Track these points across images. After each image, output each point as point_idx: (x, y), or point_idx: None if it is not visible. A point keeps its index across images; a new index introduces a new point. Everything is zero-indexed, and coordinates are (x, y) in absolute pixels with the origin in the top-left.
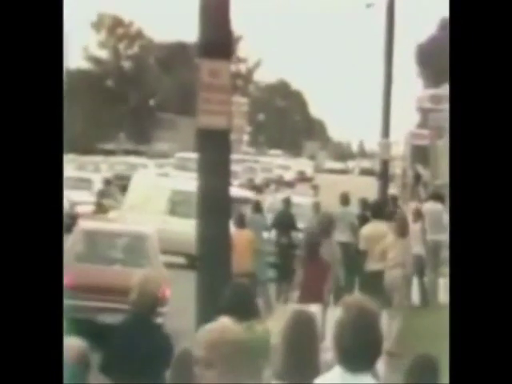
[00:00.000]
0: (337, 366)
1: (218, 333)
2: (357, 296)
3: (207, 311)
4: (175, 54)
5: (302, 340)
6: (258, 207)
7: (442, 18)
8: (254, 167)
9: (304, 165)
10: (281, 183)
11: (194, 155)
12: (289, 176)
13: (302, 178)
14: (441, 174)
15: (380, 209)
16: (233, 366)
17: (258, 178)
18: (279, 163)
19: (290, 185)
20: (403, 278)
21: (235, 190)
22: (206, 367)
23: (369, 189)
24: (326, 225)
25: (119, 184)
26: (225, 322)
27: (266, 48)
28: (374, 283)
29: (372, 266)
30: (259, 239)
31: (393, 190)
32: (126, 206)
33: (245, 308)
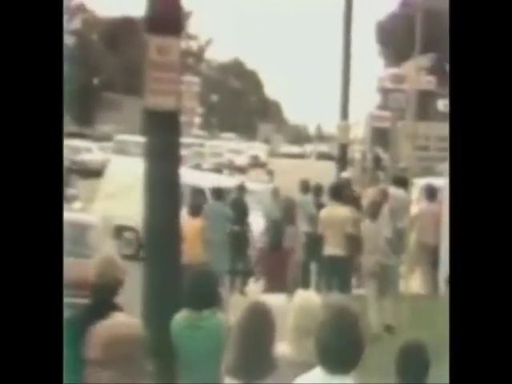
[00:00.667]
0: (318, 366)
1: (113, 330)
2: (338, 297)
3: (153, 303)
4: (121, 30)
5: (256, 333)
6: (218, 194)
7: None
8: (202, 151)
9: (258, 149)
10: (232, 168)
11: (135, 138)
12: (240, 161)
13: (256, 162)
14: (402, 157)
15: (338, 191)
16: (131, 366)
17: (207, 164)
18: (231, 147)
19: (242, 170)
20: (378, 263)
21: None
22: (100, 368)
23: (327, 174)
24: (289, 211)
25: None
26: (120, 318)
27: (219, 25)
28: (332, 268)
29: (330, 250)
30: (219, 228)
31: (351, 173)
32: (102, 195)
33: (205, 296)
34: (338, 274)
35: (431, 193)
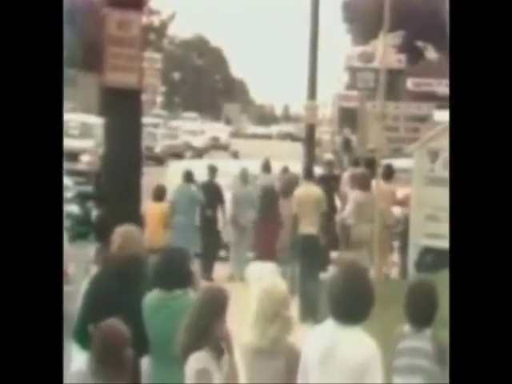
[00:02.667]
0: (329, 318)
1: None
2: (349, 254)
3: None
4: (78, 3)
5: (208, 318)
6: (188, 176)
7: None
8: (154, 133)
9: (219, 130)
10: (189, 149)
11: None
12: (198, 142)
13: (216, 144)
14: (370, 138)
15: (310, 172)
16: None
17: (159, 146)
18: (189, 128)
19: (200, 152)
20: (372, 232)
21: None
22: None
23: (293, 155)
24: (290, 185)
25: None
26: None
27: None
28: (306, 246)
29: (305, 229)
30: (188, 211)
31: (320, 155)
32: None
33: (176, 275)
34: (312, 252)
35: (389, 173)
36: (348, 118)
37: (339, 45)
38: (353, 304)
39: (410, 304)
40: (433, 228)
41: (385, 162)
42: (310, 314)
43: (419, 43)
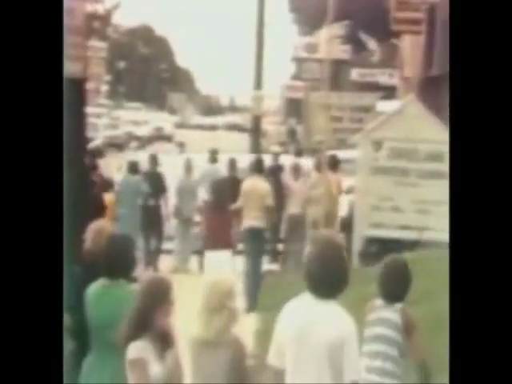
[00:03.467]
0: (305, 293)
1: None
2: (324, 231)
3: None
4: None
5: (150, 308)
6: (133, 167)
7: None
8: (95, 123)
9: (163, 120)
10: (131, 140)
11: None
12: (142, 132)
13: (160, 134)
14: (316, 129)
15: (259, 164)
16: None
17: (100, 137)
18: (133, 118)
19: (143, 142)
20: (323, 215)
21: None
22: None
23: (239, 145)
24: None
25: None
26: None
27: None
28: (252, 239)
29: (250, 222)
30: (131, 203)
31: (267, 146)
32: None
33: (120, 262)
34: (257, 244)
35: (334, 163)
36: (294, 108)
37: (286, 35)
38: (329, 278)
39: (383, 280)
40: (377, 218)
41: (330, 152)
42: (254, 304)
43: (362, 34)
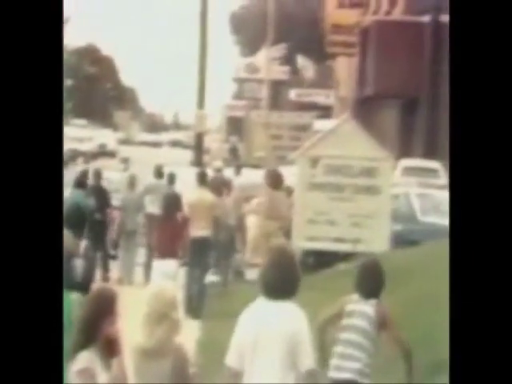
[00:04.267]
0: (260, 298)
1: None
2: (279, 241)
3: None
4: None
5: (96, 317)
6: (80, 183)
7: None
8: None
9: (107, 136)
10: (75, 156)
11: None
12: (85, 149)
13: (104, 151)
14: (256, 146)
15: (204, 177)
16: None
17: None
18: (77, 135)
19: (87, 158)
20: (279, 229)
21: None
22: None
23: (182, 162)
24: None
25: None
26: None
27: (73, 7)
28: (199, 248)
29: (197, 232)
30: (80, 216)
31: (210, 162)
32: None
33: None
34: (204, 253)
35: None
36: (235, 126)
37: (228, 56)
38: (284, 282)
39: (359, 278)
40: (313, 231)
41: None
42: (194, 313)
43: (300, 56)
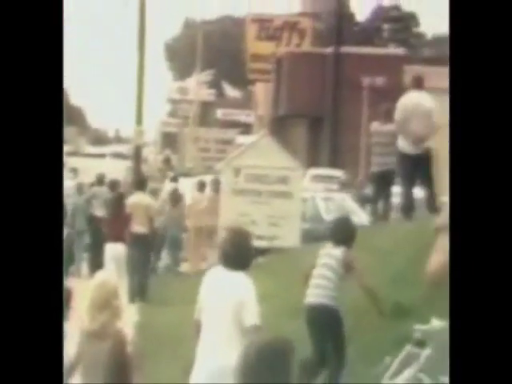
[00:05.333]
0: (218, 267)
1: None
2: (236, 222)
3: None
4: None
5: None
6: None
7: (186, 18)
8: None
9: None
10: None
11: None
12: None
13: None
14: (187, 158)
15: (142, 184)
16: None
17: None
18: None
19: None
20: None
21: None
22: None
23: (122, 171)
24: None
25: None
26: None
27: None
28: (139, 244)
29: (137, 229)
30: None
31: (146, 171)
32: None
33: None
34: (142, 248)
35: (201, 186)
36: (169, 141)
37: (163, 80)
38: (238, 255)
39: (333, 230)
40: (253, 209)
41: (199, 177)
42: (136, 299)
43: (224, 81)
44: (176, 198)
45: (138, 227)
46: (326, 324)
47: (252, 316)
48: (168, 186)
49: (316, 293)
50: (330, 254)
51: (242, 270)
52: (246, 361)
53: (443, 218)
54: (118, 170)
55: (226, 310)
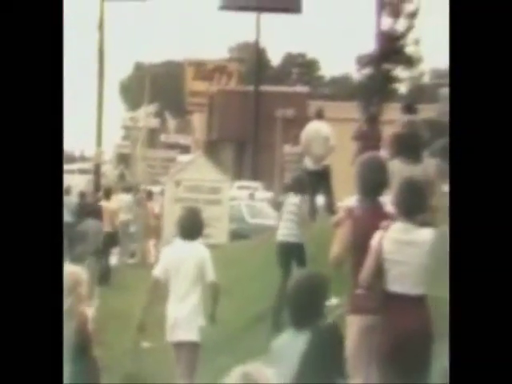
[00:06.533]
0: (177, 239)
1: None
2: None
3: None
4: None
5: None
6: None
7: (136, 61)
8: None
9: None
10: None
11: None
12: None
13: None
14: (139, 173)
15: (109, 192)
16: None
17: None
18: None
19: None
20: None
21: None
22: None
23: (85, 183)
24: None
25: None
26: None
27: None
28: (107, 240)
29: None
30: None
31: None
32: None
33: None
34: (109, 244)
35: (149, 195)
36: (123, 159)
37: (118, 111)
38: (191, 229)
39: (291, 183)
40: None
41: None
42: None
43: (168, 112)
44: (139, 202)
45: (105, 226)
46: (292, 253)
47: (210, 275)
48: (122, 196)
49: (282, 233)
50: (292, 203)
51: (196, 240)
52: (293, 288)
53: (338, 217)
54: (83, 183)
55: (190, 268)
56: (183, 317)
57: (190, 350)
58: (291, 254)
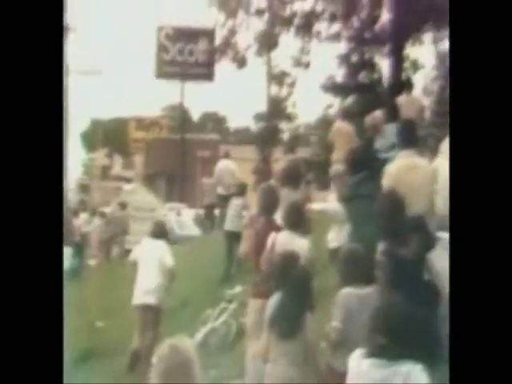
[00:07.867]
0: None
1: None
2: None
3: None
4: None
5: None
6: None
7: (92, 117)
8: None
9: None
10: None
11: None
12: None
13: None
14: (95, 200)
15: (75, 213)
16: None
17: None
18: None
19: None
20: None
21: None
22: None
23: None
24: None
25: None
26: None
27: None
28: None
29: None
30: None
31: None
32: None
33: None
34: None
35: (103, 215)
36: (84, 189)
37: (78, 154)
38: (158, 230)
39: (236, 190)
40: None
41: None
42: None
43: (116, 154)
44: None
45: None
46: (234, 241)
47: (169, 261)
48: (83, 215)
49: (228, 225)
50: (236, 203)
51: (161, 239)
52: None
53: (246, 220)
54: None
55: (154, 260)
56: (148, 287)
57: (150, 312)
58: (235, 238)
